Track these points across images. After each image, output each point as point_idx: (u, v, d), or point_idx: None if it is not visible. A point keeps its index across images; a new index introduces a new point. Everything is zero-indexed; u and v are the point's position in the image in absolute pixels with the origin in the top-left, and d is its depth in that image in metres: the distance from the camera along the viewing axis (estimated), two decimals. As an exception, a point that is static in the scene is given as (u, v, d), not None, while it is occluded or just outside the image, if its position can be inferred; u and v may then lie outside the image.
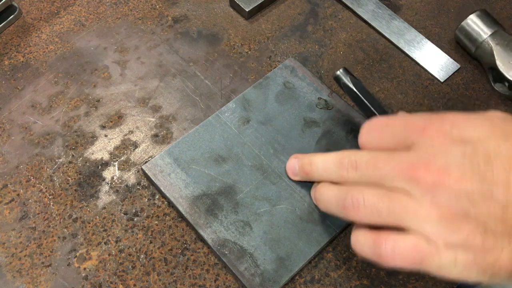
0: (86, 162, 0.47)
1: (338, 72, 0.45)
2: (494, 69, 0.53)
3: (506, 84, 0.53)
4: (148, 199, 0.45)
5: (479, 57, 0.54)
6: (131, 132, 0.49)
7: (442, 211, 0.30)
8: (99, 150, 0.48)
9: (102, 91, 0.51)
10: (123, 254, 0.42)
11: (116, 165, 0.47)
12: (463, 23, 0.54)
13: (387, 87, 0.53)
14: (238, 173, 0.45)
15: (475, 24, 0.54)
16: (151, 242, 0.43)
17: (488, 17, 0.54)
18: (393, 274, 0.43)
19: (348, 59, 0.55)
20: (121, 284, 0.41)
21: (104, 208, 0.45)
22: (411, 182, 0.31)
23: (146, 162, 0.46)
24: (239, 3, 0.57)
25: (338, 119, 0.49)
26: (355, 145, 0.47)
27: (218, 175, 0.45)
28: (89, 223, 0.44)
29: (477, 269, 0.30)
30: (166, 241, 0.43)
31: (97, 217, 0.44)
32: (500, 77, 0.53)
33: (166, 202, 0.45)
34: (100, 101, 0.51)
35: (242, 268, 0.41)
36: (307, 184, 0.45)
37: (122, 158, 0.47)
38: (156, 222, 0.44)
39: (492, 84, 0.54)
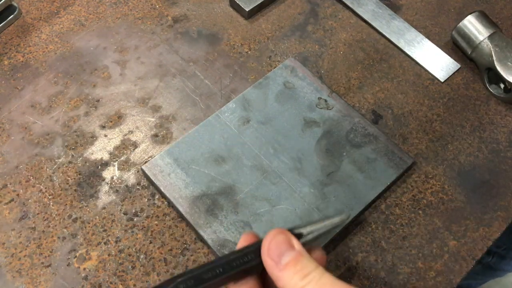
0: (86, 162, 0.47)
1: None
2: (490, 70, 0.53)
3: (502, 85, 0.53)
4: (148, 199, 0.45)
5: (475, 58, 0.54)
6: (131, 132, 0.49)
7: None
8: (99, 150, 0.48)
9: (102, 91, 0.51)
10: (123, 254, 0.42)
11: (116, 165, 0.47)
12: (460, 24, 0.54)
13: (387, 87, 0.53)
14: (238, 173, 0.45)
15: (472, 25, 0.54)
16: (151, 242, 0.43)
17: (485, 19, 0.54)
18: (393, 274, 0.43)
19: (348, 59, 0.55)
20: (121, 284, 0.41)
21: (104, 208, 0.45)
22: None
23: (146, 162, 0.46)
24: (239, 3, 0.57)
25: (338, 119, 0.49)
26: (355, 145, 0.47)
27: (218, 175, 0.45)
28: (89, 223, 0.44)
29: None
30: (166, 241, 0.43)
31: (97, 217, 0.44)
32: (496, 79, 0.53)
33: (166, 202, 0.45)
34: (100, 101, 0.51)
35: (242, 268, 0.41)
36: (307, 184, 0.45)
37: (122, 158, 0.47)
38: (156, 222, 0.44)
39: (487, 85, 0.54)
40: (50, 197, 0.45)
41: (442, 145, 0.50)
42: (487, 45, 0.52)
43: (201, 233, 0.42)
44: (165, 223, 0.44)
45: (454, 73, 0.55)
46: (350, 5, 0.58)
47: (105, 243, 0.43)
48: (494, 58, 0.52)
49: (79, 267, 0.42)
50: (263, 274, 0.31)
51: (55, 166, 0.46)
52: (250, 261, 0.30)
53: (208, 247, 0.42)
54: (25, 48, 0.54)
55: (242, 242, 0.32)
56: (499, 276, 0.88)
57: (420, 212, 0.46)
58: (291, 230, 0.31)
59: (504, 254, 0.79)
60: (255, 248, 0.30)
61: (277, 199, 0.44)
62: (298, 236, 0.31)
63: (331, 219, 0.34)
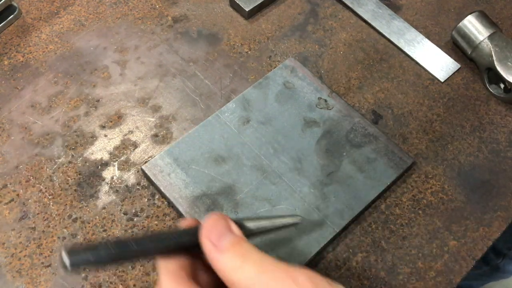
0: (86, 162, 0.47)
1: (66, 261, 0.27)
2: (490, 70, 0.53)
3: (502, 85, 0.53)
4: (148, 199, 0.45)
5: (475, 58, 0.54)
6: (131, 132, 0.49)
7: None
8: (99, 150, 0.48)
9: (102, 91, 0.51)
10: (123, 254, 0.42)
11: (116, 165, 0.47)
12: (460, 24, 0.54)
13: (387, 87, 0.53)
14: (238, 173, 0.45)
15: (472, 25, 0.54)
16: (151, 242, 0.43)
17: (485, 18, 0.54)
18: (393, 274, 0.43)
19: (348, 59, 0.55)
20: (121, 284, 0.41)
21: (104, 208, 0.45)
22: None
23: (146, 162, 0.46)
24: (239, 3, 0.57)
25: (338, 119, 0.49)
26: (355, 145, 0.47)
27: (218, 175, 0.45)
28: (89, 223, 0.44)
29: None
30: (166, 241, 0.43)
31: (97, 217, 0.44)
32: (496, 79, 0.53)
33: (166, 202, 0.45)
34: (100, 101, 0.51)
35: (242, 268, 0.41)
36: (307, 184, 0.45)
37: (122, 158, 0.47)
38: (156, 222, 0.44)
39: (487, 85, 0.54)
40: (50, 197, 0.45)
41: (442, 145, 0.50)
42: (487, 45, 0.52)
43: (201, 233, 0.42)
44: (165, 223, 0.44)
45: (454, 73, 0.55)
46: (350, 5, 0.58)
47: (105, 243, 0.43)
48: (494, 58, 0.52)
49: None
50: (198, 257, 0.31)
51: (55, 166, 0.46)
52: (184, 241, 0.30)
53: (208, 247, 0.42)
54: (25, 48, 0.54)
55: (181, 225, 0.32)
56: (504, 278, 0.87)
57: (420, 212, 0.46)
58: (234, 220, 0.31)
59: None
60: (192, 231, 0.30)
61: (277, 199, 0.44)
62: (240, 226, 0.31)
63: (281, 219, 0.36)
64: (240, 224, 0.31)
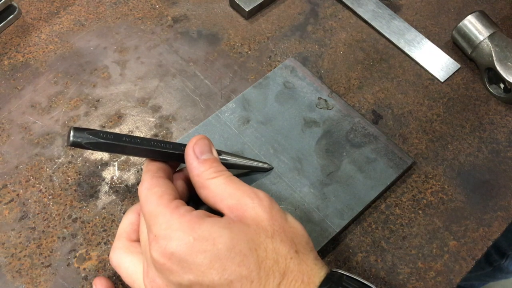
0: (85, 162, 0.47)
1: (72, 138, 0.34)
2: (491, 70, 0.53)
3: (502, 85, 0.53)
4: (148, 199, 0.45)
5: (476, 58, 0.54)
6: (131, 132, 0.49)
7: None
8: (99, 150, 0.48)
9: (102, 91, 0.51)
10: (123, 254, 0.42)
11: (116, 165, 0.47)
12: (460, 23, 0.54)
13: (387, 87, 0.53)
14: (238, 173, 0.45)
15: (472, 25, 0.54)
16: (151, 242, 0.43)
17: (485, 18, 0.54)
18: (393, 274, 0.43)
19: (348, 59, 0.55)
20: (121, 284, 0.41)
21: (104, 208, 0.45)
22: None
23: (146, 162, 0.46)
24: (239, 3, 0.57)
25: (338, 119, 0.49)
26: (355, 145, 0.47)
27: (218, 175, 0.45)
28: (89, 223, 0.44)
29: None
30: (166, 241, 0.43)
31: (97, 217, 0.44)
32: (496, 79, 0.53)
33: (166, 202, 0.45)
34: (100, 101, 0.51)
35: (242, 268, 0.41)
36: (307, 184, 0.45)
37: (122, 158, 0.47)
38: (156, 222, 0.44)
39: (487, 85, 0.54)
40: (50, 197, 0.45)
41: (442, 145, 0.50)
42: (487, 45, 0.52)
43: (201, 233, 0.42)
44: (165, 223, 0.44)
45: (454, 73, 0.55)
46: (350, 5, 0.58)
47: (105, 243, 0.43)
48: (494, 58, 0.52)
49: (79, 267, 0.42)
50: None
51: (55, 166, 0.46)
52: (169, 150, 0.36)
53: (208, 247, 0.42)
54: (25, 48, 0.54)
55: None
56: (506, 278, 0.87)
57: (420, 212, 0.46)
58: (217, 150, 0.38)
59: None
60: (179, 145, 0.37)
61: (277, 199, 0.44)
62: (218, 154, 0.38)
63: (253, 161, 0.43)
64: (219, 152, 0.38)
